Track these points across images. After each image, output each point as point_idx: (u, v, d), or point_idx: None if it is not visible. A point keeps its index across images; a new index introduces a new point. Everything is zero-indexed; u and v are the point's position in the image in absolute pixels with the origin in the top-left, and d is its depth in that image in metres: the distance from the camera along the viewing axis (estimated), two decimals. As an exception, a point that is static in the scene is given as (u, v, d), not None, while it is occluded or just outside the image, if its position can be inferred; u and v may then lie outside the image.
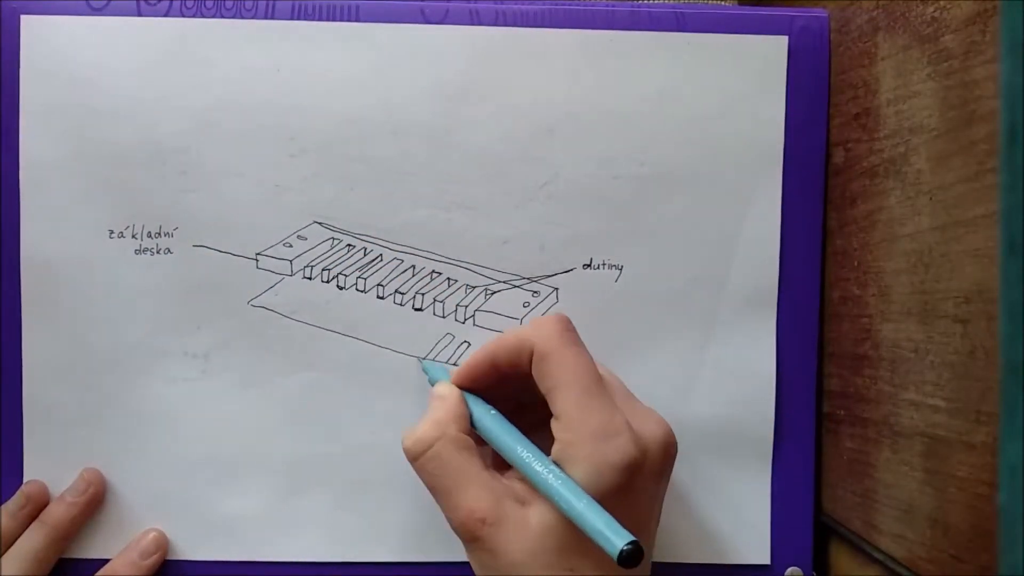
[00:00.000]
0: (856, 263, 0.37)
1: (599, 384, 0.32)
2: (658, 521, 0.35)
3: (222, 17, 0.38)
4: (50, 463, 0.38)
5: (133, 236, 0.38)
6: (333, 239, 0.39)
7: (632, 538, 0.28)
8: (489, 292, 0.39)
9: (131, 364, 0.39)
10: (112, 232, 0.38)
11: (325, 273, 0.39)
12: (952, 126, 0.30)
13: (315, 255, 0.39)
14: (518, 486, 0.32)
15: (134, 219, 0.38)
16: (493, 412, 0.34)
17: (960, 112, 0.30)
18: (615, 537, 0.28)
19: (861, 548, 0.37)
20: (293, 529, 0.39)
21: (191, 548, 0.39)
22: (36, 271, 0.38)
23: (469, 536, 0.31)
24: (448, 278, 0.39)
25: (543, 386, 0.32)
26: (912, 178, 0.33)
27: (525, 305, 0.39)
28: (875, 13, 0.35)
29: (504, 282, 0.39)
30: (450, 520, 0.32)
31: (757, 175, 0.39)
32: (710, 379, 0.40)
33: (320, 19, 0.39)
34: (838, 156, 0.39)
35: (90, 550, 0.38)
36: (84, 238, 0.38)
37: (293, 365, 0.39)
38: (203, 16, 0.38)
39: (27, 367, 0.38)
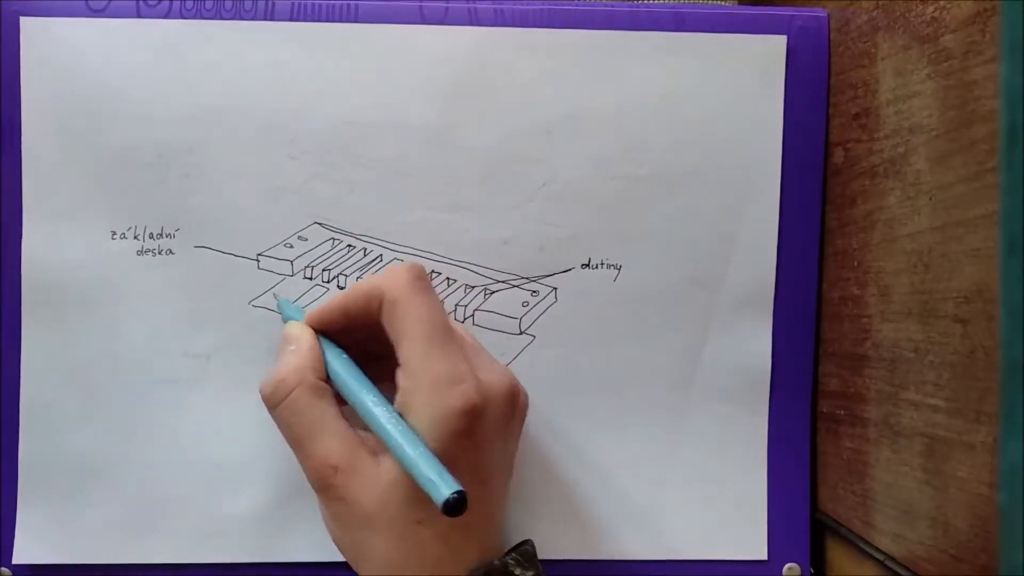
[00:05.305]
0: (856, 263, 0.37)
1: (445, 333, 0.32)
2: (510, 473, 0.35)
3: (221, 18, 0.38)
4: (47, 465, 0.38)
5: (135, 237, 0.38)
6: (333, 239, 0.39)
7: (459, 488, 0.28)
8: (488, 292, 0.39)
9: (132, 364, 0.38)
10: (114, 233, 0.38)
11: (326, 273, 0.39)
12: (952, 126, 0.30)
13: (316, 255, 0.39)
14: (372, 437, 0.32)
15: (136, 220, 0.38)
16: (344, 357, 0.34)
17: (960, 112, 0.30)
18: (443, 486, 0.28)
19: (859, 547, 0.37)
20: (293, 529, 0.39)
21: (192, 549, 0.39)
22: (38, 272, 0.38)
23: (322, 484, 0.32)
24: (448, 278, 0.39)
25: (391, 334, 0.32)
26: (912, 178, 0.33)
27: (524, 305, 0.39)
28: (875, 13, 0.35)
29: (503, 282, 0.39)
30: (304, 468, 0.32)
31: (755, 175, 0.39)
32: (707, 377, 0.40)
33: (319, 20, 0.39)
34: (838, 156, 0.39)
35: (91, 551, 0.38)
36: (86, 239, 0.38)
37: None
38: (202, 17, 0.38)
39: (26, 368, 0.38)
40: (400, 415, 0.31)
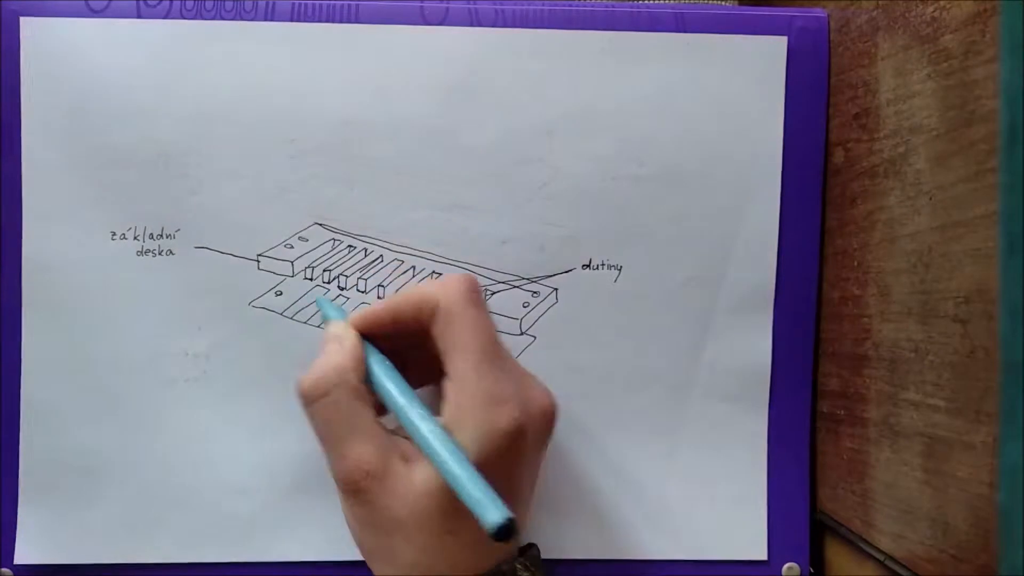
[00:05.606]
0: (856, 263, 0.37)
1: (497, 349, 0.32)
2: (533, 487, 0.35)
3: (222, 19, 0.38)
4: (48, 465, 0.38)
5: (135, 238, 0.38)
6: (334, 240, 0.39)
7: (510, 515, 0.28)
8: (489, 292, 0.39)
9: (132, 364, 0.38)
10: (114, 234, 0.38)
11: (326, 274, 0.39)
12: (952, 126, 0.30)
13: (316, 256, 0.39)
14: (405, 443, 0.32)
15: (136, 221, 0.38)
16: (387, 363, 0.33)
17: (960, 112, 0.30)
18: (495, 510, 0.28)
19: (859, 547, 0.37)
20: (293, 529, 0.39)
21: (191, 548, 0.39)
22: (38, 272, 0.38)
23: (352, 488, 0.31)
24: (448, 279, 0.39)
25: (441, 345, 0.32)
26: (912, 178, 0.33)
27: (525, 305, 0.39)
28: (875, 13, 0.35)
29: (504, 282, 0.39)
30: (333, 469, 0.32)
31: (756, 175, 0.39)
32: (707, 377, 0.40)
33: (319, 20, 0.39)
34: (838, 156, 0.39)
35: (92, 551, 0.38)
36: (86, 240, 0.38)
37: (294, 366, 0.39)
38: (203, 18, 0.38)
39: (26, 367, 0.38)
40: (446, 429, 0.31)
